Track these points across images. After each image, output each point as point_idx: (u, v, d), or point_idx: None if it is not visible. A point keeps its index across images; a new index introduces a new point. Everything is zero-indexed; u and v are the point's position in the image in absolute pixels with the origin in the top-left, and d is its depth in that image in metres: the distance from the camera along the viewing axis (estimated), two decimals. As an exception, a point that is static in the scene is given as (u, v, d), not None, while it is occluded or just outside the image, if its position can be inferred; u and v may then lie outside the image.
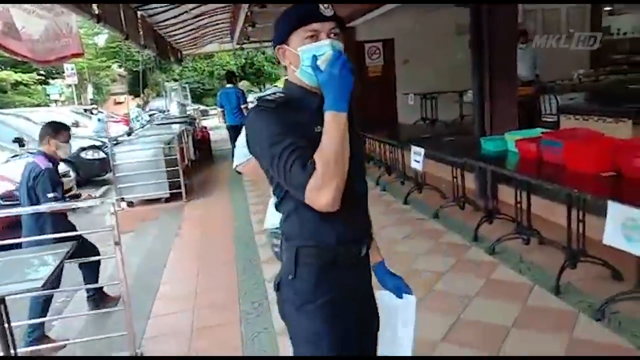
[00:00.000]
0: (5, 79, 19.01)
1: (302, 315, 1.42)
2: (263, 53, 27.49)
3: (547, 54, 7.66)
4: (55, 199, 3.42)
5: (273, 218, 2.12)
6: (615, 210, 2.31)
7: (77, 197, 4.88)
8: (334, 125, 1.25)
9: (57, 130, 3.60)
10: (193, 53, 18.94)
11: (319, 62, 1.30)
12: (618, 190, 2.52)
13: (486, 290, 3.32)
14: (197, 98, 30.19)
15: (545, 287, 3.20)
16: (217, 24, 12.43)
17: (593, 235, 3.06)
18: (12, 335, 2.54)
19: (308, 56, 1.32)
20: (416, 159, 4.65)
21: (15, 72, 18.37)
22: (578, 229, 3.24)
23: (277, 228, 1.91)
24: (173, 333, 3.34)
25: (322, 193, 1.25)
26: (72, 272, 3.95)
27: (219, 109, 9.15)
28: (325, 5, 1.34)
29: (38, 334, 3.33)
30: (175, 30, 11.14)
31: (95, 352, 3.15)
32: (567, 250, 3.33)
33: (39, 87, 21.88)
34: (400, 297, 1.58)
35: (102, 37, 26.84)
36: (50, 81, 22.58)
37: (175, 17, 9.40)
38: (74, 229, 3.59)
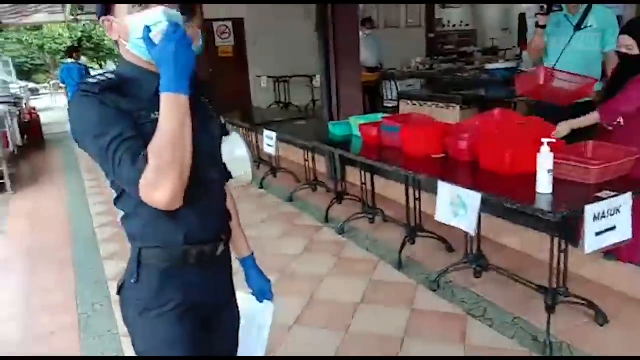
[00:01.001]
0: None
1: (146, 321, 1.28)
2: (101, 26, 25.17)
3: (389, 42, 8.21)
4: None
5: None
6: (444, 189, 2.53)
7: None
8: (169, 110, 1.08)
9: None
10: (17, 23, 16.66)
11: (151, 35, 1.11)
12: (445, 171, 2.76)
13: (337, 269, 3.46)
14: (25, 74, 26.71)
15: (390, 262, 3.44)
16: (45, -8, 11.07)
17: (430, 212, 3.34)
18: None
19: (138, 27, 1.13)
20: (269, 143, 4.65)
21: None
22: (415, 206, 3.53)
23: None
24: (3, 343, 2.92)
25: (157, 189, 1.08)
26: None
27: (62, 86, 8.31)
28: None
29: None
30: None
31: None
32: (406, 227, 3.61)
33: None
34: (261, 302, 1.53)
35: None
36: None
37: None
38: None
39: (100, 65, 24.82)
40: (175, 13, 1.15)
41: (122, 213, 1.28)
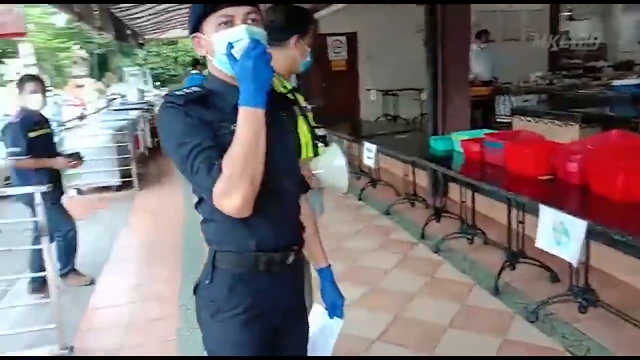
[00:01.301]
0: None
1: (217, 322, 1.33)
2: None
3: (506, 55, 7.82)
4: (15, 154, 3.44)
5: None
6: (546, 214, 2.34)
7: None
8: (245, 123, 1.13)
9: (22, 82, 3.59)
10: (156, 38, 18.47)
11: (233, 51, 1.17)
12: (551, 193, 2.56)
13: (428, 288, 3.35)
14: (161, 83, 29.52)
15: (485, 287, 3.25)
16: (179, 9, 12.15)
17: (534, 236, 3.11)
18: None
19: (223, 44, 1.19)
20: (369, 155, 4.65)
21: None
22: (518, 230, 3.30)
23: None
24: (107, 327, 3.24)
25: (229, 198, 1.14)
26: (14, 260, 3.83)
27: None
28: None
29: (69, 269, 3.83)
30: (136, 13, 10.82)
31: (25, 343, 3.02)
32: (507, 251, 3.38)
33: (-9, 67, 20.94)
34: (331, 317, 1.52)
35: (62, 17, 25.82)
36: (5, 61, 21.59)
37: (134, -1, 9.12)
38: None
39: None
40: (258, 31, 1.21)
41: (201, 217, 1.35)
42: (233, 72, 1.18)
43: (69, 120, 8.93)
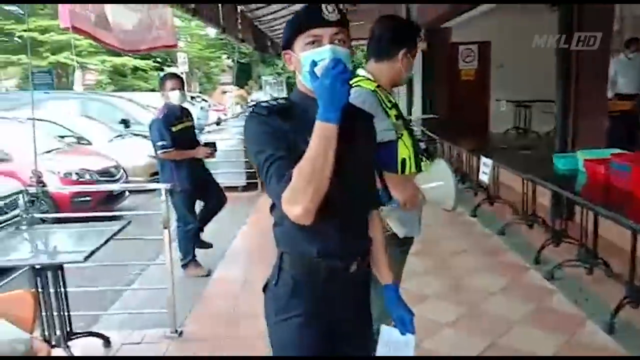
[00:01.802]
0: (126, 64, 20.85)
1: (278, 322, 1.41)
2: (362, 50, 27.57)
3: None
4: (163, 147, 3.88)
5: None
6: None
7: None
8: (318, 136, 1.20)
9: (164, 80, 4.06)
10: (294, 48, 19.50)
11: (315, 69, 1.25)
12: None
13: (534, 317, 3.12)
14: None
15: (600, 324, 2.93)
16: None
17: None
18: (67, 299, 2.85)
19: (308, 62, 1.28)
20: (484, 170, 4.43)
21: (135, 58, 20.05)
22: (644, 263, 2.92)
23: None
24: (215, 316, 3.51)
25: (292, 206, 1.23)
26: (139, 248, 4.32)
27: None
28: (330, 9, 1.29)
29: (189, 259, 4.17)
30: (276, 25, 11.57)
31: (142, 324, 3.39)
32: (629, 285, 3.01)
33: (155, 73, 23.73)
34: (402, 333, 1.50)
35: (213, 29, 28.42)
36: (165, 68, 24.37)
37: (274, 11, 9.76)
38: (203, 175, 4.24)
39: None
40: (342, 50, 1.29)
41: (273, 220, 1.45)
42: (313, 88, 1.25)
43: (209, 125, 9.78)
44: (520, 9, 7.99)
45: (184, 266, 4.19)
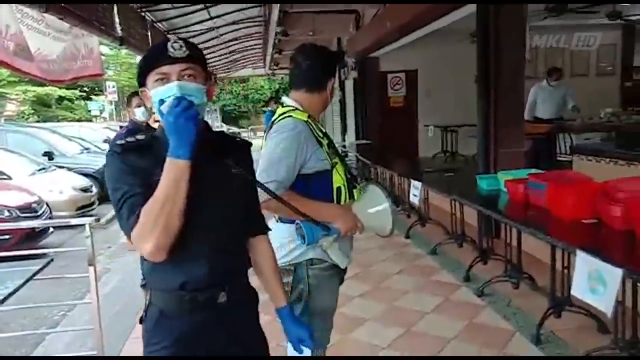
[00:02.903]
0: (50, 94, 19.97)
1: (147, 354, 1.40)
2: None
3: (577, 91, 7.52)
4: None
5: (280, 254, 1.88)
6: (582, 261, 2.20)
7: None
8: (167, 173, 1.23)
9: (130, 97, 3.99)
10: (228, 77, 19.52)
11: (162, 107, 1.27)
12: (589, 238, 2.40)
13: (466, 333, 3.21)
14: (233, 120, 30.85)
15: (527, 336, 3.07)
16: (249, 50, 12.84)
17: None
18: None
19: (156, 100, 1.30)
20: (415, 192, 4.57)
21: (60, 88, 19.26)
22: (563, 275, 3.10)
23: (287, 264, 1.89)
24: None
25: (142, 243, 1.23)
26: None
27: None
28: (177, 45, 1.29)
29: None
30: (208, 54, 11.53)
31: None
32: (551, 297, 3.18)
33: (82, 103, 22.83)
34: (300, 352, 1.51)
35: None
36: (93, 97, 23.54)
37: (207, 41, 9.74)
38: None
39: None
40: (191, 86, 1.29)
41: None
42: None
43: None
44: (443, 39, 8.46)
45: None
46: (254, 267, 1.55)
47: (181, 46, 1.30)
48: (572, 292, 2.26)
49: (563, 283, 3.12)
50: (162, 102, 1.28)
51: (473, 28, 5.73)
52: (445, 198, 5.58)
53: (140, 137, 1.38)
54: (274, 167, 1.80)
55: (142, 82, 1.37)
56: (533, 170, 3.54)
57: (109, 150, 1.35)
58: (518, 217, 3.05)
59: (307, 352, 1.53)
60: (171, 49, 1.28)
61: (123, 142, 1.34)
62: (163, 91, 1.29)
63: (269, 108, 11.08)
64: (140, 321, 1.44)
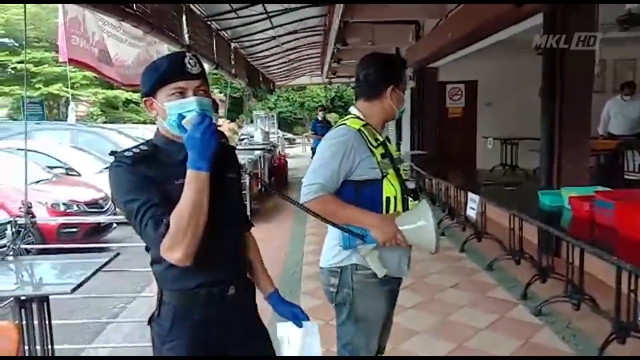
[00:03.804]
0: (118, 96, 21.02)
1: (165, 351, 1.46)
2: (352, 87, 28.20)
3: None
4: None
5: (328, 256, 1.99)
6: (652, 285, 2.09)
7: None
8: (192, 185, 1.30)
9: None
10: (286, 84, 19.87)
11: (184, 122, 1.34)
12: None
13: (521, 353, 3.12)
14: (288, 126, 31.34)
15: (587, 360, 2.94)
16: (307, 59, 13.02)
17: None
18: (51, 332, 2.80)
19: (175, 113, 1.36)
20: (472, 206, 4.49)
21: (127, 91, 20.22)
22: (629, 299, 2.95)
23: (334, 266, 1.94)
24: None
25: (174, 251, 1.30)
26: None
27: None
28: (192, 62, 1.37)
29: None
30: (268, 62, 11.81)
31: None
32: (615, 321, 3.03)
33: (147, 106, 23.92)
34: (300, 326, 1.60)
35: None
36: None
37: (268, 49, 9.98)
38: None
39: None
40: (206, 102, 1.38)
41: (150, 259, 1.50)
42: (183, 137, 1.34)
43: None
44: (506, 51, 8.26)
45: None
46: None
47: (196, 63, 1.38)
48: (640, 318, 2.15)
49: (629, 307, 2.97)
50: (181, 116, 1.35)
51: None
52: (503, 213, 5.44)
53: (143, 147, 1.44)
54: (319, 170, 1.86)
55: (149, 93, 1.41)
56: (600, 188, 3.39)
57: (115, 162, 1.39)
58: (582, 236, 2.94)
59: (309, 324, 1.61)
60: (188, 65, 1.36)
61: (131, 153, 1.40)
62: (181, 105, 1.36)
63: (318, 116, 11.82)
64: (149, 322, 1.52)
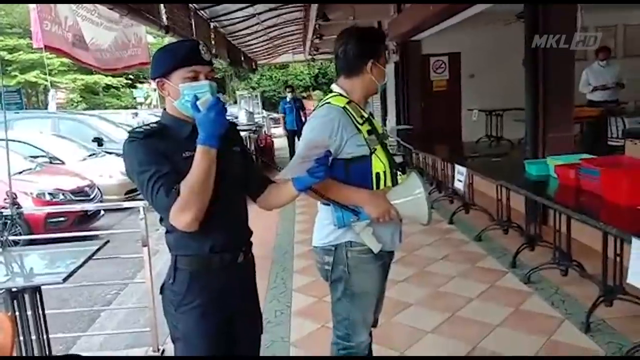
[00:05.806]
0: (98, 82, 20.64)
1: (179, 315, 1.60)
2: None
3: (630, 74, 7.20)
4: None
5: (320, 235, 2.00)
6: (638, 248, 2.14)
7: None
8: (202, 159, 1.43)
9: None
10: (268, 63, 19.64)
11: (198, 102, 1.45)
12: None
13: (512, 320, 3.18)
14: (272, 106, 31.08)
15: (576, 323, 3.02)
16: (289, 35, 12.86)
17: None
18: (45, 322, 2.79)
19: (189, 94, 1.48)
20: (459, 178, 4.52)
21: (106, 76, 19.86)
22: (615, 263, 3.02)
23: (328, 244, 1.95)
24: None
25: (183, 215, 1.44)
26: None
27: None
28: (205, 49, 1.53)
29: None
30: (250, 40, 11.63)
31: (126, 343, 3.34)
32: (602, 284, 3.10)
33: (128, 90, 23.49)
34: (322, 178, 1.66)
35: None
36: (138, 85, 24.17)
37: (248, 27, 9.82)
38: None
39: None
40: (214, 86, 1.51)
41: (164, 229, 1.61)
42: (194, 116, 1.46)
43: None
44: (488, 21, 8.23)
45: None
46: (276, 200, 1.79)
47: (207, 51, 1.54)
48: (628, 280, 2.21)
49: (615, 271, 3.04)
50: (195, 97, 1.46)
51: (519, 9, 5.56)
52: (490, 184, 5.49)
53: (153, 125, 1.58)
54: (305, 151, 1.83)
55: (164, 74, 1.53)
56: (585, 155, 3.43)
57: (128, 138, 1.52)
58: (569, 203, 2.99)
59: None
60: (202, 51, 1.52)
61: (142, 129, 1.55)
62: (196, 87, 1.49)
63: (287, 97, 11.58)
64: (161, 291, 1.63)
